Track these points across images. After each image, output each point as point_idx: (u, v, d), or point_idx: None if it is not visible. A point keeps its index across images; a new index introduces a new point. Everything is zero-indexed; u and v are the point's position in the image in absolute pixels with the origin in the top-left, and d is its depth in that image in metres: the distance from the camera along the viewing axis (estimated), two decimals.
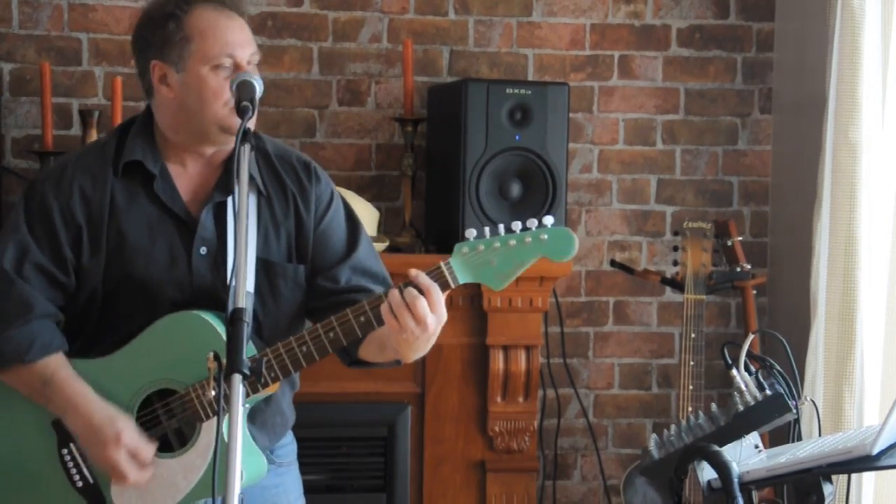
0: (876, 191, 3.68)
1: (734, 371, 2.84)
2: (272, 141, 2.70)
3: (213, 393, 2.22)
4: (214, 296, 2.51)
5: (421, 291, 2.35)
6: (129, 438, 2.45)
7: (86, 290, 2.56)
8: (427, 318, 2.35)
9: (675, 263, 3.89)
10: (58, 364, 2.52)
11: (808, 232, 3.86)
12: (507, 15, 4.38)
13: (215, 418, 2.41)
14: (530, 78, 4.37)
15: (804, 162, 4.13)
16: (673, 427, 2.80)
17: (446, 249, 3.04)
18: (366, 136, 4.31)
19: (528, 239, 2.37)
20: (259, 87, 2.41)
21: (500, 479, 3.93)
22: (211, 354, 2.10)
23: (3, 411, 2.59)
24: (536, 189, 3.90)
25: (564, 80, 4.28)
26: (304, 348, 2.44)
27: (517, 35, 4.39)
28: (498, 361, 3.88)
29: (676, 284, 3.90)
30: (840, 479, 3.31)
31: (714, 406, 2.79)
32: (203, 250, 2.55)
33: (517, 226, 2.38)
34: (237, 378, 2.06)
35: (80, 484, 2.52)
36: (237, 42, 2.52)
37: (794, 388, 2.77)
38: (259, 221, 2.58)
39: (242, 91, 2.39)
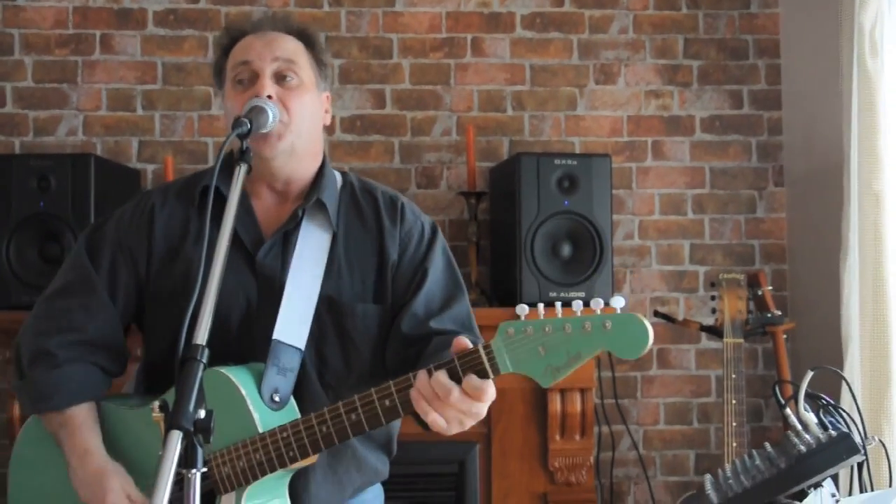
0: None
1: (788, 410, 1.85)
2: (360, 179, 1.82)
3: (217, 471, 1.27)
4: (269, 329, 1.62)
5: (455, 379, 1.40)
6: (114, 500, 1.57)
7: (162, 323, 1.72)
8: (461, 405, 1.39)
9: (714, 311, 2.92)
10: (75, 410, 1.67)
11: (822, 284, 2.90)
12: (556, 109, 3.57)
13: (233, 493, 1.53)
14: None
15: (815, 225, 3.29)
16: (728, 467, 1.84)
17: (509, 304, 2.15)
18: (440, 213, 3.47)
19: (588, 325, 1.31)
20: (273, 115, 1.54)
21: None
22: (156, 404, 1.18)
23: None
24: (585, 248, 3.02)
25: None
26: (324, 428, 1.50)
27: (565, 126, 3.56)
28: (556, 403, 2.98)
29: (715, 331, 2.94)
30: None
31: (768, 445, 1.81)
32: (259, 283, 1.68)
33: (578, 305, 1.34)
34: (175, 435, 1.17)
35: None
36: (254, 50, 1.69)
37: (858, 428, 1.77)
38: (331, 258, 1.68)
39: (252, 113, 1.53)
